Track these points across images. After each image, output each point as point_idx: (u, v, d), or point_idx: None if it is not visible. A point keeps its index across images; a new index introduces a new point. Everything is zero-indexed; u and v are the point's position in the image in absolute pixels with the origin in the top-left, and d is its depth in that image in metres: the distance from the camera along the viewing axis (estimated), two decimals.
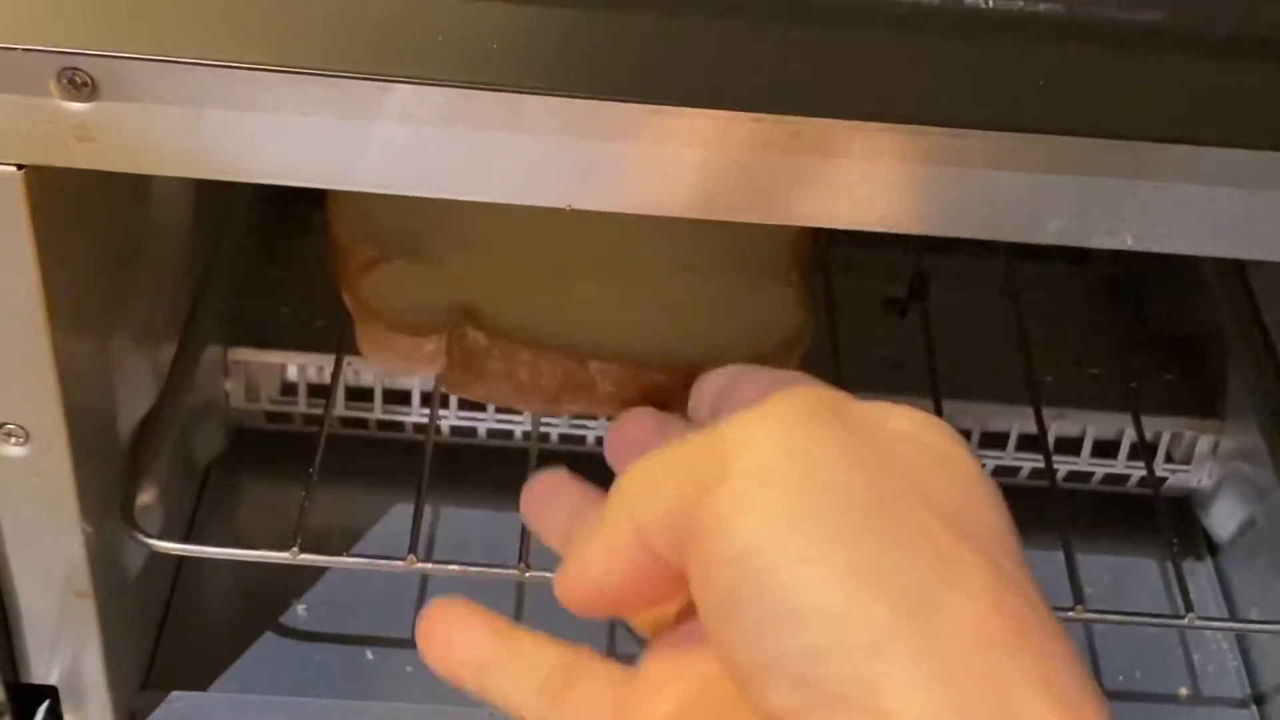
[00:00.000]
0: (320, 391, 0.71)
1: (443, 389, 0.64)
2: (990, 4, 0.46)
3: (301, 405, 0.72)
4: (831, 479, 0.33)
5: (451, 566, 0.60)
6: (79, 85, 0.43)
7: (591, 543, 0.37)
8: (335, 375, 0.66)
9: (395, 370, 0.66)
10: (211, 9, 0.44)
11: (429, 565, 0.59)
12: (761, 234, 0.68)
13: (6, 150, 0.44)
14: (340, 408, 0.71)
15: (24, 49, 0.42)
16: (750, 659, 0.32)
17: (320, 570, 0.69)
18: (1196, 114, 0.44)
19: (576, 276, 0.65)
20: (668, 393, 0.61)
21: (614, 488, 0.36)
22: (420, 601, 0.68)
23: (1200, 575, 0.71)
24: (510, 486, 0.71)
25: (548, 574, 0.59)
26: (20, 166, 0.45)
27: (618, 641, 0.67)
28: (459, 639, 0.41)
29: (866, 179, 0.44)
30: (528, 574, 0.59)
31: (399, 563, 0.58)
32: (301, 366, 0.71)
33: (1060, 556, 0.63)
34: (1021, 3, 0.46)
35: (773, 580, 0.31)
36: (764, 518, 0.32)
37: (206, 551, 0.61)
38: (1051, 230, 0.45)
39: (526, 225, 0.66)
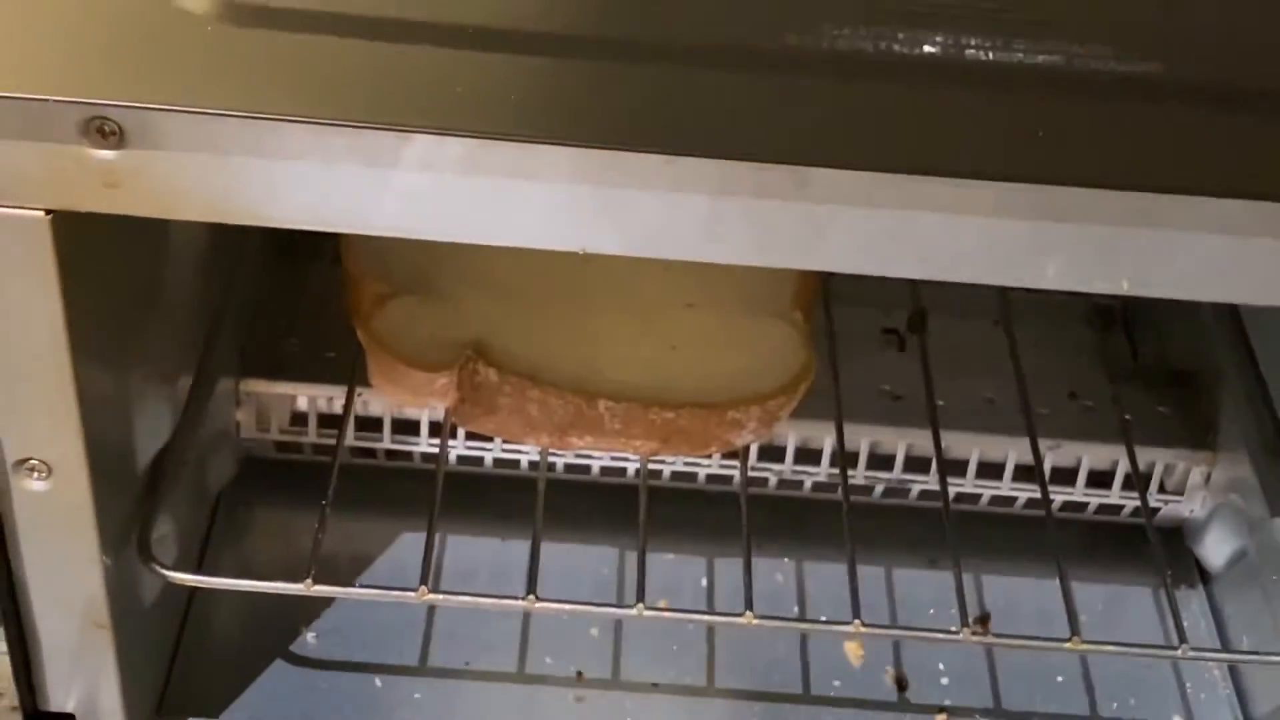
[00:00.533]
0: (329, 421, 0.72)
1: (453, 422, 0.65)
2: (991, 56, 0.48)
3: (311, 435, 0.73)
4: None
5: (462, 597, 0.61)
6: (107, 134, 0.44)
7: None
8: (347, 406, 0.67)
9: (405, 404, 0.67)
10: (235, 59, 0.45)
11: (439, 596, 0.61)
12: (766, 273, 0.69)
13: (36, 196, 0.45)
14: (350, 437, 0.72)
15: (54, 100, 0.43)
16: None
17: (330, 599, 0.70)
18: (1190, 164, 0.46)
19: (585, 314, 0.66)
20: (674, 431, 0.62)
21: None
22: (428, 630, 0.69)
23: (1193, 604, 0.73)
24: (517, 515, 0.74)
25: (555, 604, 0.60)
26: (49, 211, 0.46)
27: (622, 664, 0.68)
28: None
29: (869, 225, 0.46)
30: (536, 604, 0.60)
31: (411, 594, 0.60)
32: (312, 397, 0.72)
33: (1056, 585, 0.64)
34: (1021, 54, 0.48)
35: None
36: None
37: (223, 583, 0.62)
38: (1050, 276, 0.46)
39: (537, 263, 0.67)
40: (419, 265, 0.67)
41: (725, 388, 0.64)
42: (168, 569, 0.59)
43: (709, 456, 0.69)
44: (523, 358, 0.63)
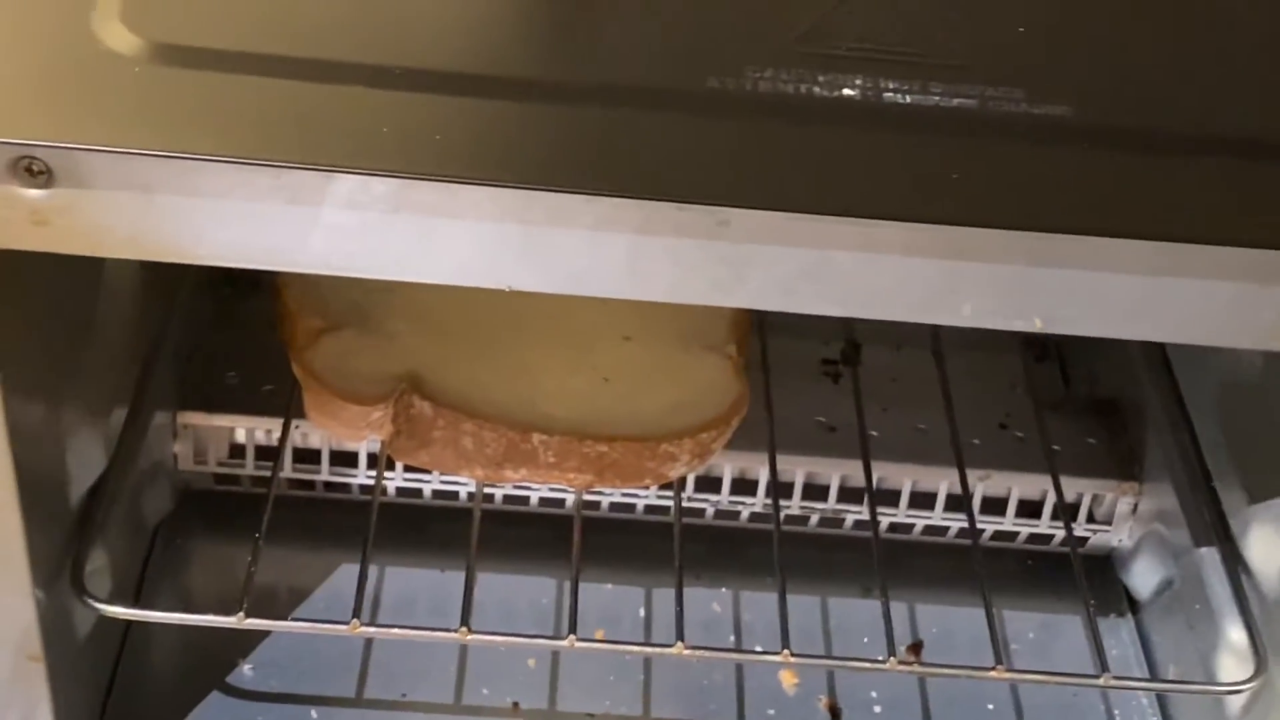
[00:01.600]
0: (268, 454, 0.73)
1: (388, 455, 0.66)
2: (908, 99, 0.49)
3: (249, 467, 0.73)
4: None
5: (394, 630, 0.62)
6: (35, 173, 0.45)
7: None
8: (283, 439, 0.68)
9: (341, 437, 0.67)
10: (163, 99, 0.46)
11: (373, 629, 0.61)
12: (700, 308, 0.70)
13: None
14: (287, 469, 0.73)
15: None
16: None
17: (266, 631, 0.70)
18: (1098, 205, 0.47)
19: (520, 347, 0.67)
20: (608, 464, 0.63)
21: None
22: (365, 662, 0.69)
23: (1123, 632, 0.74)
24: (455, 546, 0.74)
25: (488, 636, 0.61)
26: None
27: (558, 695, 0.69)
28: None
29: (789, 264, 0.46)
30: (469, 636, 0.60)
31: (343, 627, 0.60)
32: (249, 429, 0.72)
33: (983, 614, 0.65)
34: (938, 98, 0.49)
35: None
36: None
37: (155, 616, 0.63)
38: (965, 314, 0.47)
39: (471, 297, 0.68)
40: (354, 299, 0.68)
41: (659, 421, 0.65)
42: (101, 602, 0.59)
43: (645, 488, 0.70)
44: (457, 391, 0.64)
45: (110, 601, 0.60)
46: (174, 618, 0.62)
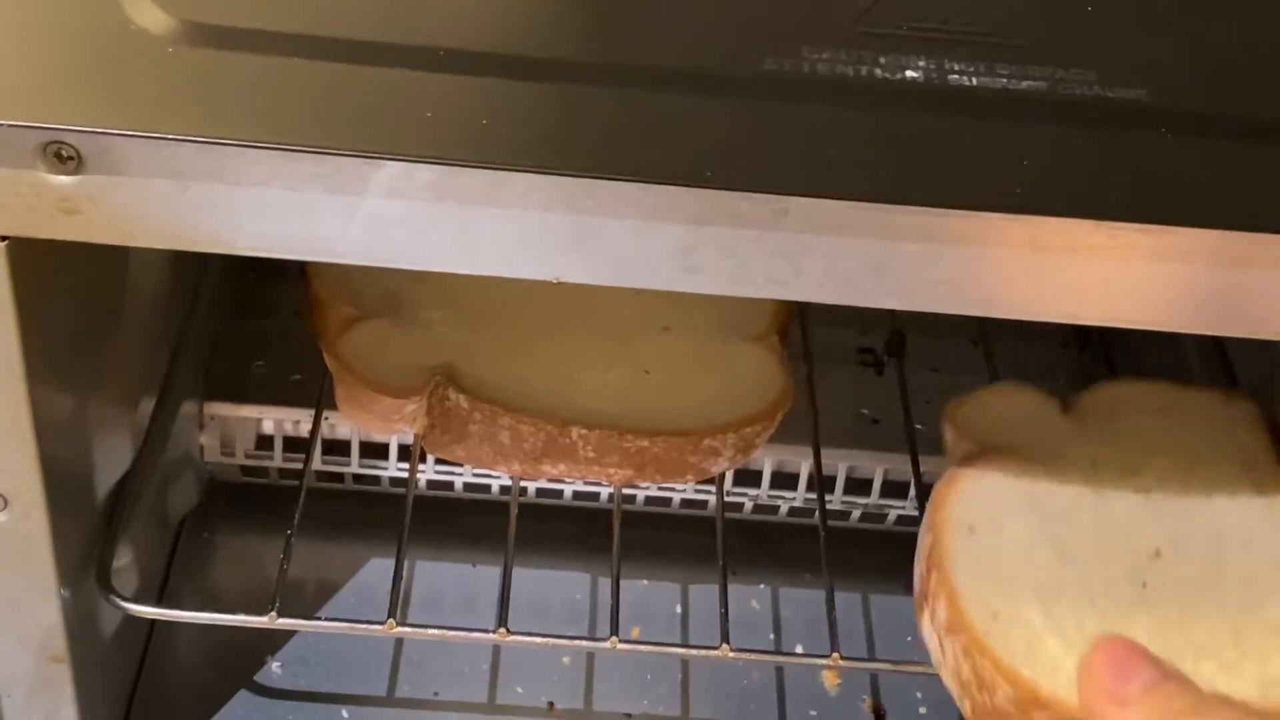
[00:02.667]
0: (295, 445, 0.71)
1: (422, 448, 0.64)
2: (974, 81, 0.47)
3: (277, 459, 0.72)
4: None
5: (431, 631, 0.60)
6: (64, 159, 0.43)
7: None
8: (314, 431, 0.66)
9: (373, 430, 0.65)
10: (197, 82, 0.44)
11: (408, 629, 0.59)
12: (741, 298, 0.68)
13: None
14: (317, 462, 0.71)
15: (9, 124, 0.42)
16: None
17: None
18: (1175, 194, 0.44)
19: (558, 338, 0.65)
20: (649, 459, 0.61)
21: None
22: (396, 659, 0.68)
23: None
24: (486, 540, 0.72)
25: (526, 638, 0.59)
26: (4, 238, 0.44)
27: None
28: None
29: (851, 257, 0.44)
30: (508, 638, 0.58)
31: (378, 626, 0.58)
32: (278, 420, 0.71)
33: None
34: (1005, 80, 0.47)
35: None
36: None
37: (184, 616, 0.61)
38: (1036, 309, 0.45)
39: (507, 286, 0.66)
40: (388, 288, 0.66)
41: (700, 414, 0.63)
42: (128, 601, 0.57)
43: (686, 483, 0.68)
44: (493, 383, 0.62)
45: (137, 600, 0.58)
46: (204, 617, 0.61)
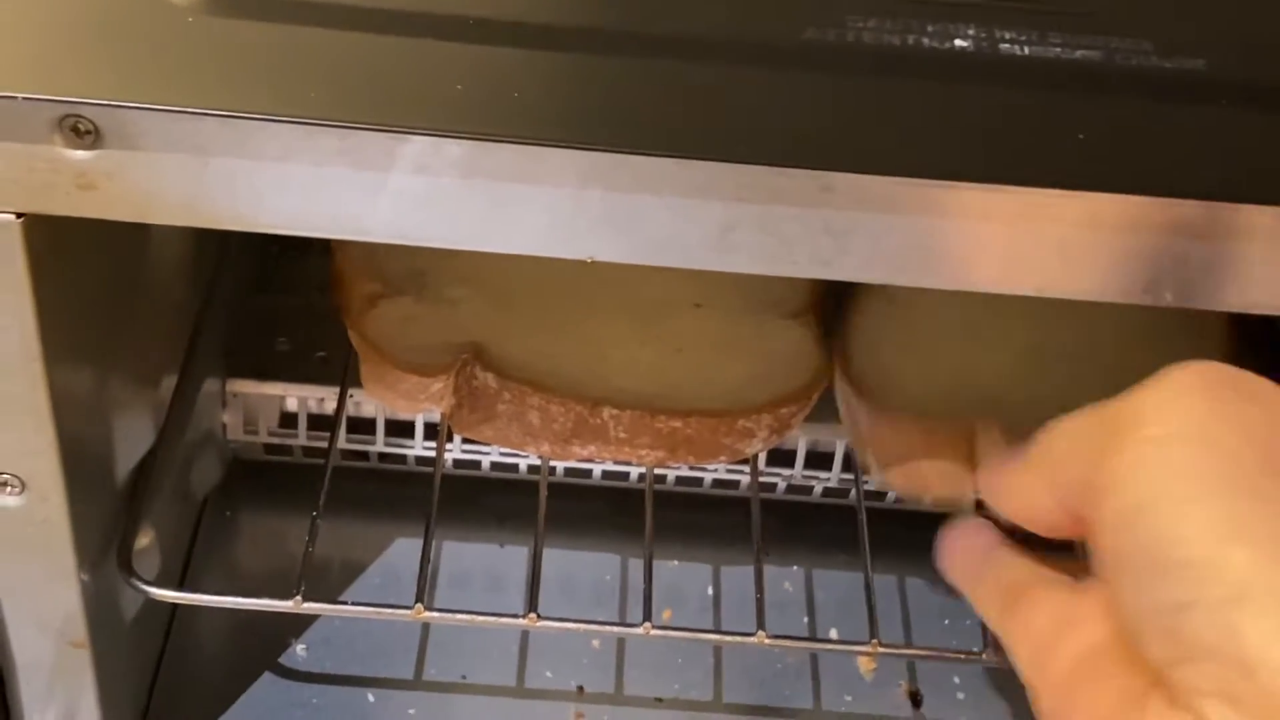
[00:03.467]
0: (320, 423, 0.70)
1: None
2: (1026, 50, 0.45)
3: (301, 438, 0.70)
4: (1223, 444, 0.35)
5: (460, 615, 0.59)
6: (81, 133, 0.41)
7: (1009, 489, 0.42)
8: (339, 409, 0.65)
9: (399, 409, 0.64)
10: (218, 53, 0.42)
11: (435, 614, 0.58)
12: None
13: (6, 198, 0.42)
14: (341, 440, 0.69)
15: (25, 97, 0.40)
16: (1132, 612, 0.35)
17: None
18: (1236, 169, 0.43)
19: (588, 315, 0.63)
20: (681, 439, 0.59)
21: (1035, 448, 0.41)
22: (423, 642, 0.67)
23: None
24: (514, 519, 0.71)
25: (556, 623, 0.58)
26: (19, 215, 0.43)
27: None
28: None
29: (897, 234, 0.43)
30: (538, 623, 0.57)
31: (406, 611, 0.57)
32: (302, 398, 0.69)
33: None
34: (1058, 50, 0.45)
35: (1150, 536, 0.34)
36: (1153, 478, 0.35)
37: (206, 600, 0.59)
38: (1087, 288, 0.43)
39: (536, 262, 0.64)
40: (414, 264, 0.64)
41: (734, 393, 0.61)
42: (150, 584, 0.56)
43: (720, 464, 0.66)
44: (522, 362, 0.60)
45: (159, 584, 0.57)
46: (226, 601, 0.59)
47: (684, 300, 0.64)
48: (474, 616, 0.59)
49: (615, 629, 0.63)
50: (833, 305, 0.66)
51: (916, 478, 0.60)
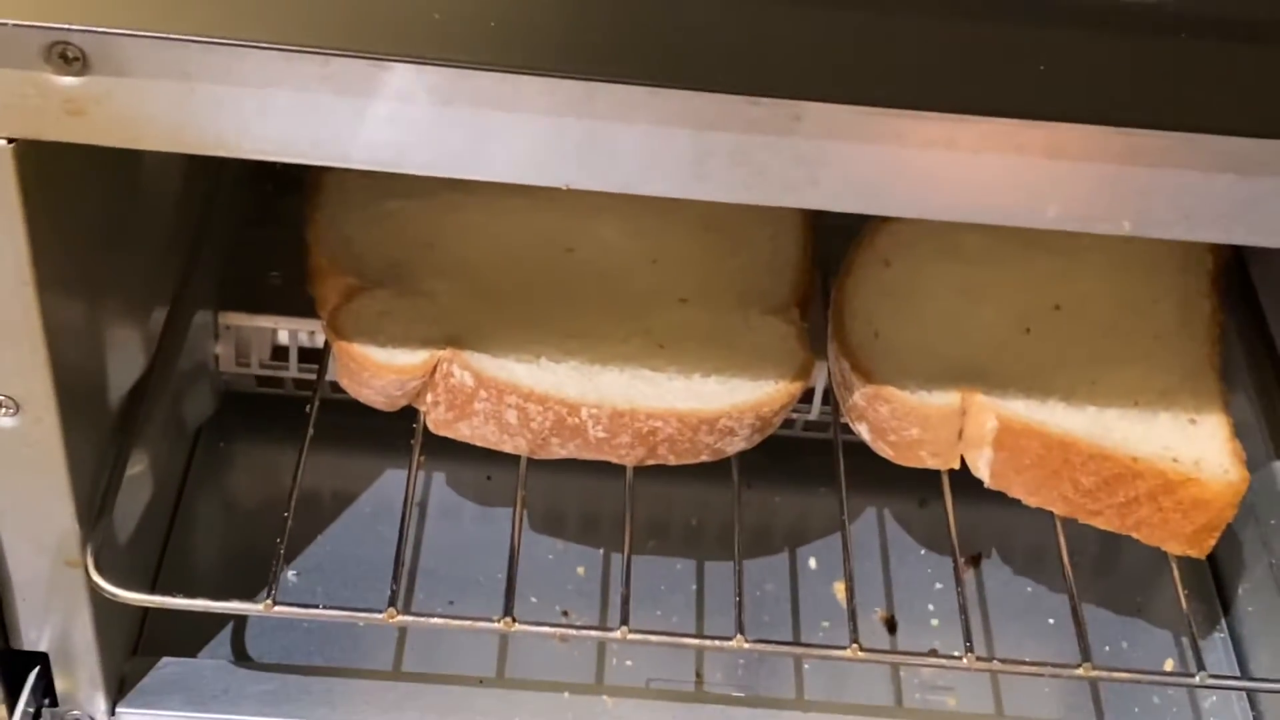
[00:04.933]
0: (311, 356, 0.71)
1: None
2: None
3: (292, 370, 0.72)
4: None
5: (435, 620, 0.59)
6: (69, 60, 0.42)
7: None
8: (328, 344, 0.66)
9: (375, 405, 0.62)
10: None
11: (409, 618, 0.59)
12: (761, 268, 0.66)
13: None
14: (331, 373, 0.71)
15: (14, 24, 0.41)
16: None
17: (311, 535, 0.69)
18: (1191, 100, 0.44)
19: (568, 309, 0.63)
20: (661, 439, 0.60)
21: None
22: (411, 572, 0.68)
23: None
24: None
25: (532, 627, 0.59)
26: (10, 140, 0.44)
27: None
28: None
29: (865, 164, 0.44)
30: (515, 627, 0.57)
31: (379, 615, 0.57)
32: (293, 331, 0.70)
33: (1048, 521, 0.63)
34: None
35: None
36: None
37: (173, 603, 0.59)
38: (1050, 217, 0.45)
39: (515, 255, 0.64)
40: (392, 255, 0.63)
41: (716, 392, 0.60)
42: (117, 587, 0.56)
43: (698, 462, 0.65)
44: (500, 359, 0.59)
45: (127, 586, 0.56)
46: (196, 604, 0.59)
47: (668, 294, 0.64)
48: (449, 620, 0.59)
49: (593, 633, 0.64)
50: (821, 286, 0.67)
51: (908, 449, 0.61)
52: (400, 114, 0.43)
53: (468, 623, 0.59)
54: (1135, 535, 0.60)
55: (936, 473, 0.63)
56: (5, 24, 0.42)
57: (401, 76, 0.42)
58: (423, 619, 0.60)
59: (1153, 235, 0.45)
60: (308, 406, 0.64)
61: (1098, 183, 0.44)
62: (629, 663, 0.66)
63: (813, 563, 0.70)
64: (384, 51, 0.42)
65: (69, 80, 0.43)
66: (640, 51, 0.43)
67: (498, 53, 0.42)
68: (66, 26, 0.42)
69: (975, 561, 0.70)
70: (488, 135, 0.44)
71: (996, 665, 0.61)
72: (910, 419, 0.60)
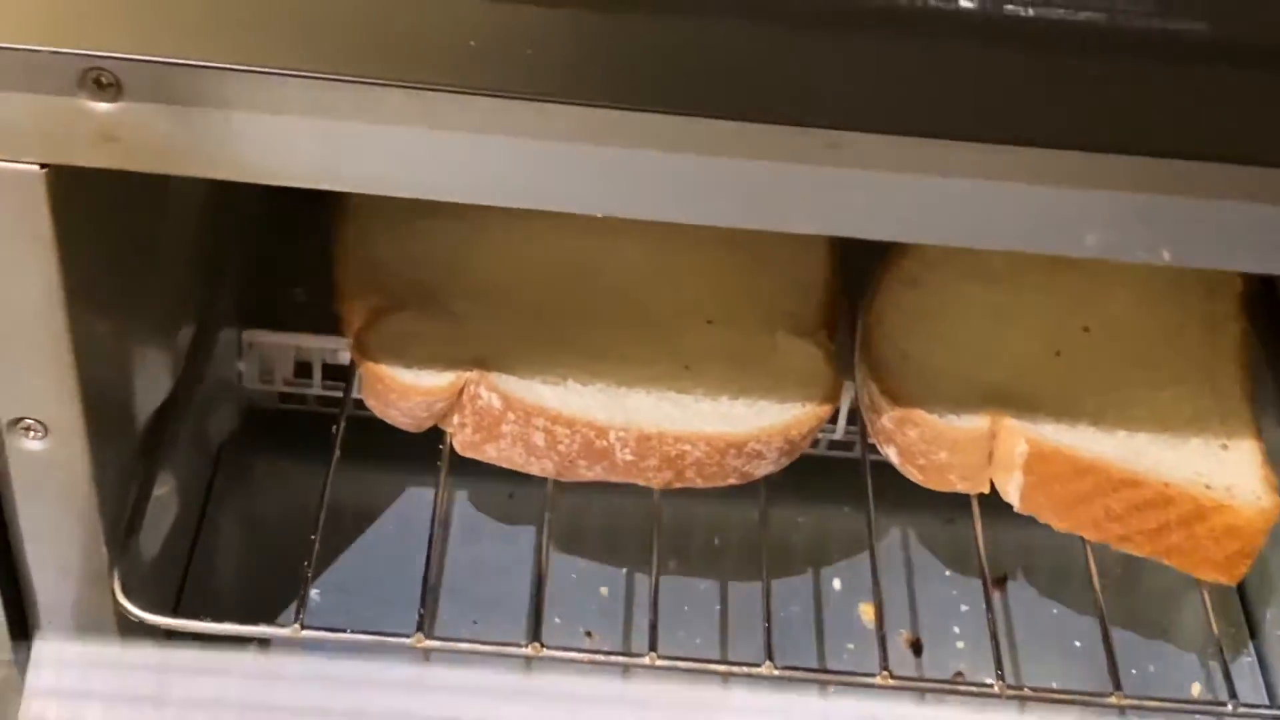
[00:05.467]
0: (335, 373, 0.71)
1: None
2: (1030, 12, 0.46)
3: (316, 387, 0.71)
4: None
5: (461, 645, 0.58)
6: (104, 86, 0.42)
7: None
8: (353, 363, 0.65)
9: (401, 426, 0.62)
10: (239, 8, 0.43)
11: (435, 643, 0.58)
12: (789, 288, 0.66)
13: (30, 150, 0.44)
14: (356, 390, 0.70)
15: (50, 50, 0.41)
16: None
17: (333, 553, 0.69)
18: (1234, 130, 0.43)
19: (595, 331, 0.62)
20: (690, 462, 0.60)
21: None
22: (434, 590, 0.68)
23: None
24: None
25: (560, 653, 0.58)
26: (44, 166, 0.44)
27: None
28: None
29: (903, 192, 0.44)
30: (543, 652, 0.57)
31: (406, 639, 0.57)
32: (317, 348, 0.70)
33: (1075, 541, 0.62)
34: (1062, 11, 0.46)
35: None
36: None
37: (198, 626, 0.58)
38: (1089, 245, 0.44)
39: (543, 277, 0.64)
40: (419, 277, 0.63)
41: (744, 416, 0.60)
42: (141, 609, 0.56)
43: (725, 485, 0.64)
44: (528, 381, 0.59)
45: (151, 609, 0.56)
46: (223, 629, 0.58)
47: (695, 316, 0.64)
48: (475, 645, 0.58)
49: (621, 659, 0.63)
50: (848, 311, 0.66)
51: (937, 473, 0.61)
52: (439, 143, 0.43)
53: (495, 647, 0.58)
54: (1166, 561, 0.60)
55: (961, 494, 0.63)
56: (40, 50, 0.41)
57: (436, 105, 0.42)
58: (450, 644, 0.59)
59: (1192, 265, 0.44)
60: (334, 427, 0.64)
61: (1137, 212, 0.43)
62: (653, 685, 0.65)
63: (837, 584, 0.70)
64: (420, 80, 0.42)
65: (103, 106, 0.42)
66: (676, 80, 0.43)
67: (534, 82, 0.42)
68: (101, 54, 0.41)
69: (1001, 583, 0.70)
70: (525, 163, 0.43)
71: (1027, 693, 0.61)
72: (939, 442, 0.60)
